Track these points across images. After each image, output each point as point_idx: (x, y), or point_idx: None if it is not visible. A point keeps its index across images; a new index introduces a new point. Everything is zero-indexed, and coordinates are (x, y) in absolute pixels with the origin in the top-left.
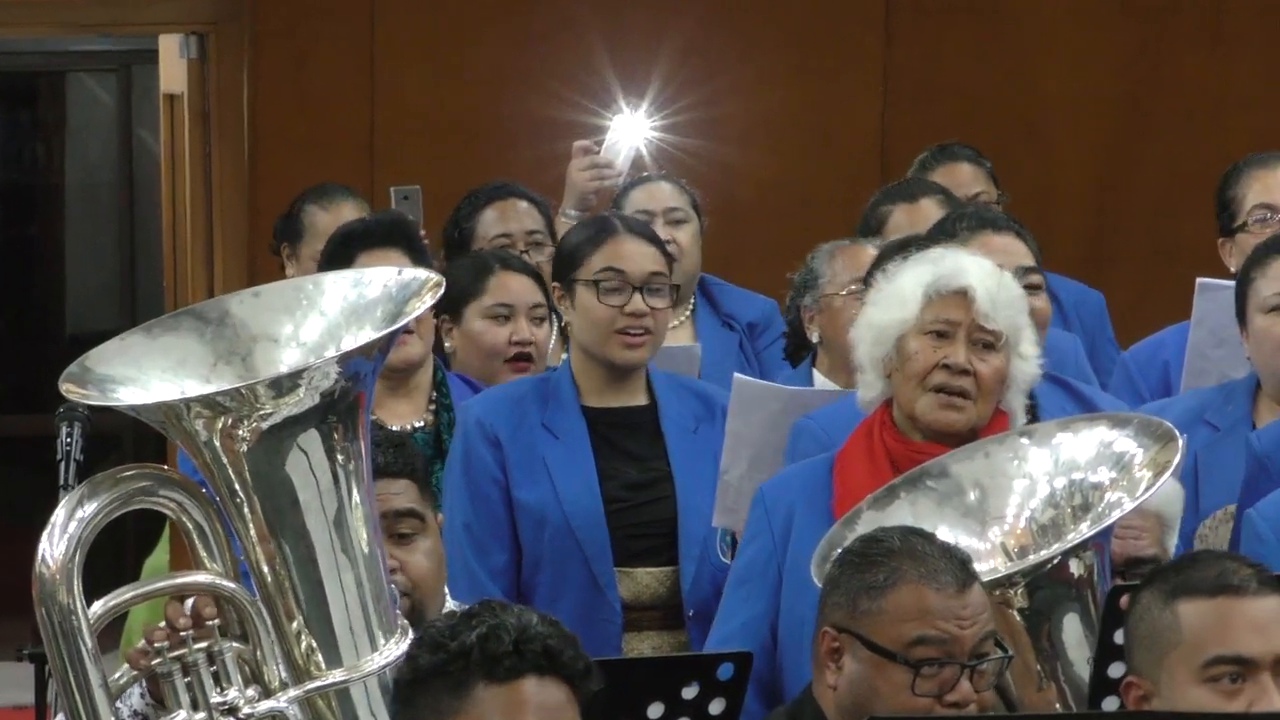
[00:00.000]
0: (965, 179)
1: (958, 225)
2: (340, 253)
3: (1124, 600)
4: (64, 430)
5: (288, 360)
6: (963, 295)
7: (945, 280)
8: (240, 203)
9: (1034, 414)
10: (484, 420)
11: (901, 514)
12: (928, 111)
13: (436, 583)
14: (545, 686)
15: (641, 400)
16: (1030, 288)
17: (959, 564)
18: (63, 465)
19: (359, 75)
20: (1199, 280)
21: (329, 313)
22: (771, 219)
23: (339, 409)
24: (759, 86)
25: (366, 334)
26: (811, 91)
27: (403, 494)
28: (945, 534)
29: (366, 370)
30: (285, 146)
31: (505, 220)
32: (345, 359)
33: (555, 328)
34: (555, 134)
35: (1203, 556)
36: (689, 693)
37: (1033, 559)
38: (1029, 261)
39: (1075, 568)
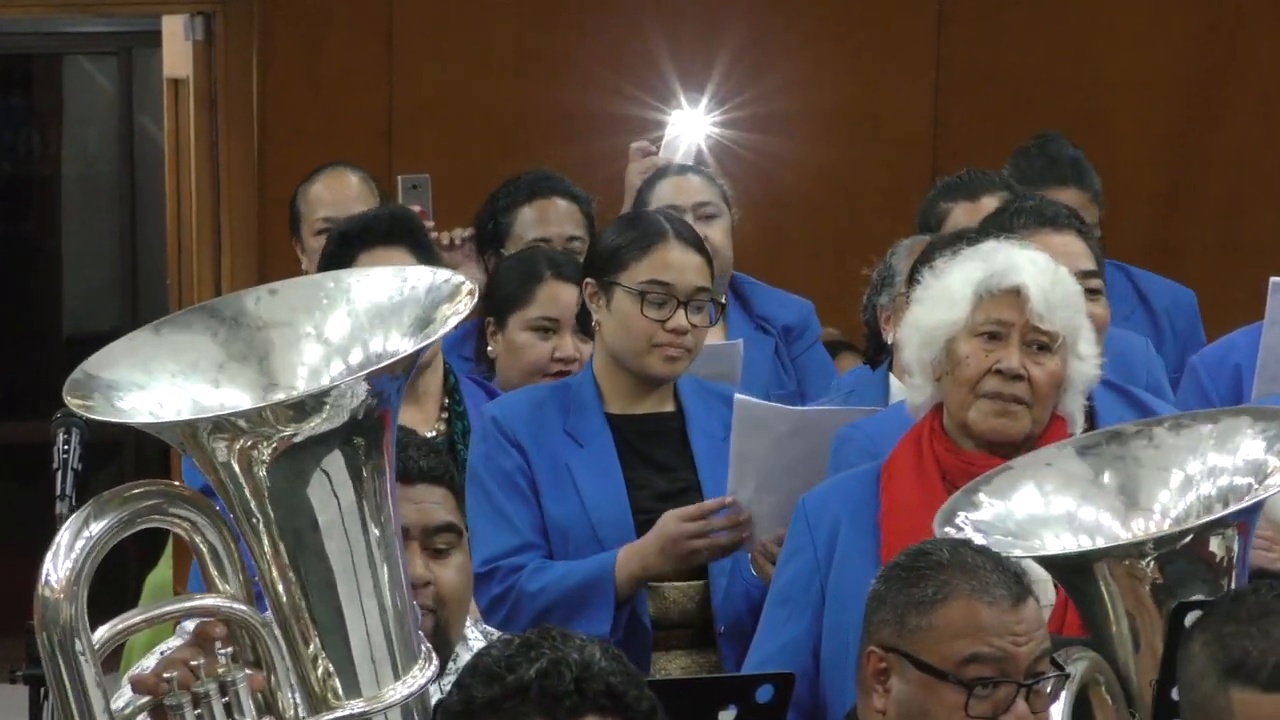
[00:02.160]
0: (1071, 202)
1: (1014, 221)
2: (339, 252)
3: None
4: (61, 438)
5: (309, 362)
6: (1015, 294)
7: (997, 278)
8: (249, 195)
9: (1092, 421)
10: (504, 422)
11: (1028, 485)
12: (983, 99)
13: (464, 601)
14: None
15: (668, 407)
16: (1089, 292)
17: (1013, 577)
18: (60, 475)
19: (376, 58)
20: (1273, 280)
21: (352, 314)
22: (821, 210)
23: (364, 427)
24: (814, 77)
25: (394, 339)
26: (860, 77)
27: (442, 505)
28: (1083, 510)
29: (394, 388)
30: (297, 135)
31: (544, 223)
32: (373, 377)
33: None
34: (592, 125)
35: (1268, 620)
36: (726, 717)
37: (1169, 530)
38: (1088, 265)
39: (1215, 545)
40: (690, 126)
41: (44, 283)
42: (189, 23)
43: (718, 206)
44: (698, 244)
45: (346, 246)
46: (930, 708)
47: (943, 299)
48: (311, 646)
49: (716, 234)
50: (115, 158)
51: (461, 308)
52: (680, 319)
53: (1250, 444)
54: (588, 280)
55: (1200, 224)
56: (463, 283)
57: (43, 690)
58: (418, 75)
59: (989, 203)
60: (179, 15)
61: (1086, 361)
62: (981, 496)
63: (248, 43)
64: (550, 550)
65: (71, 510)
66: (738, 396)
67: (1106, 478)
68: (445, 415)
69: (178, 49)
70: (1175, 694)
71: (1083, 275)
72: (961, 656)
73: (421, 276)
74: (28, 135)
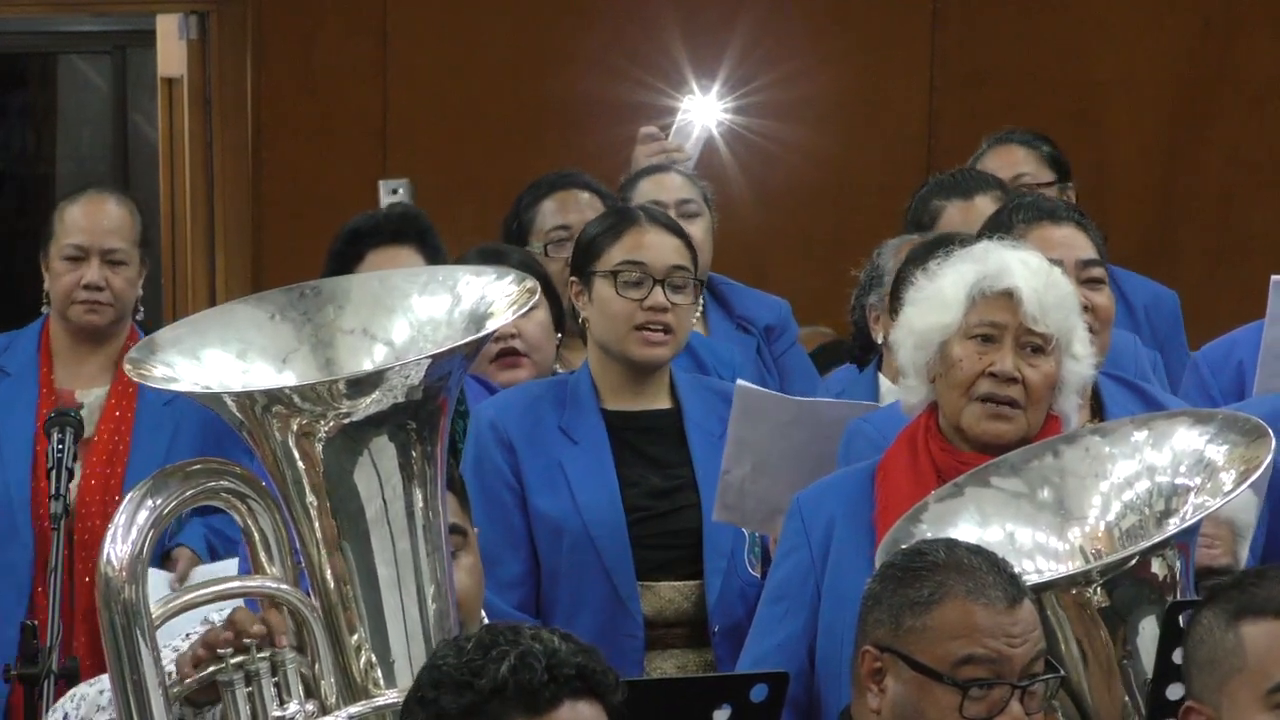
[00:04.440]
0: (1016, 159)
1: (1014, 217)
2: (348, 251)
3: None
4: (55, 437)
5: (375, 355)
6: (1008, 296)
7: (990, 281)
8: (243, 194)
9: (1101, 415)
10: (497, 423)
11: (969, 510)
12: (976, 96)
13: (477, 601)
14: (579, 709)
15: (664, 404)
16: (1092, 281)
17: (1008, 578)
18: (53, 474)
19: (371, 56)
20: (1275, 278)
21: (418, 310)
22: (820, 204)
23: (420, 413)
24: (818, 69)
25: (455, 335)
26: (856, 73)
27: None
28: (1021, 531)
29: (452, 376)
30: (292, 133)
31: (565, 211)
32: (438, 359)
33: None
34: (604, 112)
35: (1269, 573)
36: (720, 716)
37: (1112, 557)
38: (1090, 254)
39: (1158, 567)
40: (702, 112)
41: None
42: (183, 22)
43: (699, 205)
44: (672, 226)
45: (355, 244)
46: (925, 708)
47: (936, 301)
48: (356, 636)
49: (697, 232)
50: (109, 157)
51: (519, 303)
52: (658, 296)
53: (1190, 444)
54: (572, 280)
55: (1194, 223)
56: (524, 279)
57: (36, 691)
58: (412, 73)
59: (983, 201)
60: (173, 14)
61: (1081, 361)
62: (923, 526)
63: (242, 41)
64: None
65: (66, 511)
66: (740, 383)
67: (1044, 493)
68: (453, 413)
69: (172, 48)
70: (1170, 693)
71: (1084, 265)
72: (956, 657)
73: (488, 278)
74: (22, 134)
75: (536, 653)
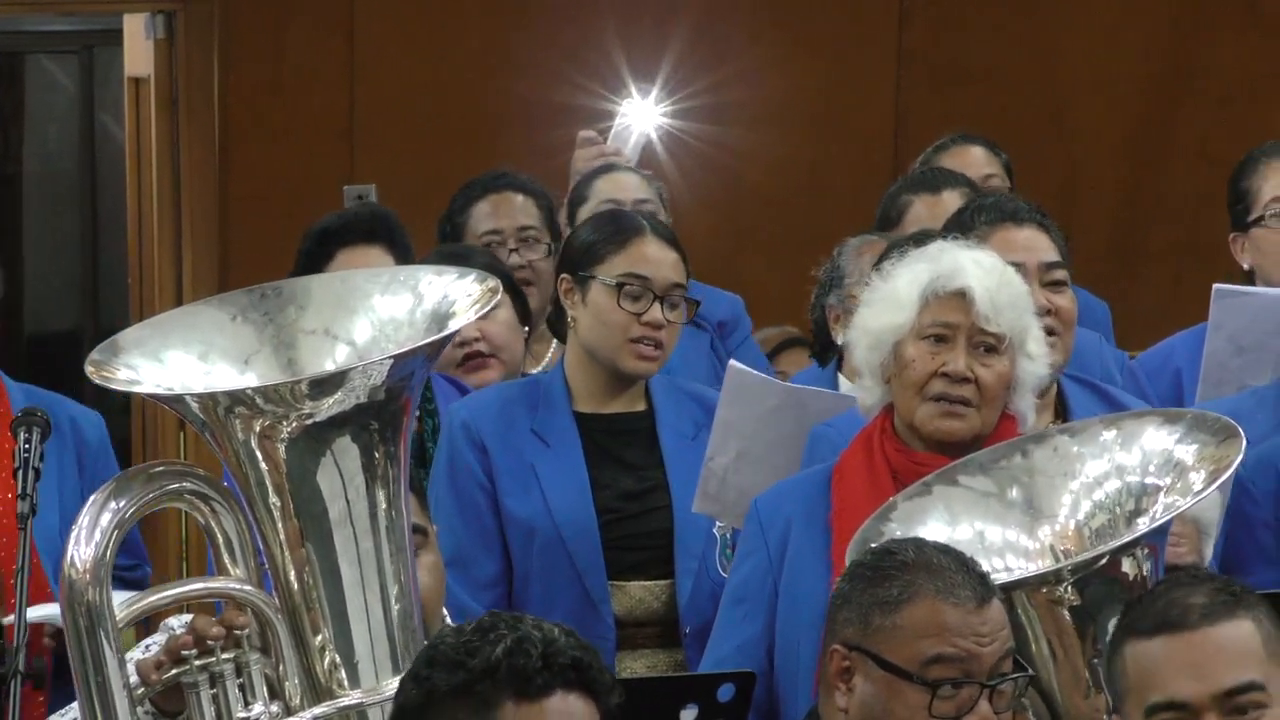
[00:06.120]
0: (977, 160)
1: (976, 218)
2: (318, 251)
3: None
4: (22, 437)
5: (337, 355)
6: (961, 296)
7: (942, 281)
8: (210, 194)
9: (1064, 416)
10: (470, 424)
11: (938, 509)
12: (944, 96)
13: (438, 600)
14: (570, 702)
15: (639, 406)
16: (1054, 284)
17: (977, 578)
18: (20, 474)
19: (338, 56)
20: (1216, 286)
21: (380, 310)
22: (782, 206)
23: (384, 414)
24: (769, 69)
25: (417, 335)
26: (822, 75)
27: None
28: (990, 530)
29: (414, 376)
30: (259, 133)
31: (497, 215)
32: (400, 359)
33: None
34: (553, 119)
35: (1158, 589)
36: (688, 715)
37: (1083, 556)
38: (1053, 256)
39: (1128, 566)
40: (640, 116)
41: (4, 281)
42: (150, 21)
43: (656, 205)
44: (673, 241)
45: (325, 244)
46: (893, 707)
47: (890, 302)
48: (320, 637)
49: None
50: (76, 157)
51: (481, 302)
52: (656, 313)
53: (1159, 443)
54: (563, 276)
55: (1162, 223)
56: (486, 278)
57: (3, 691)
58: (379, 73)
59: (950, 196)
60: (140, 14)
61: (1036, 361)
62: (892, 525)
63: (209, 41)
64: (508, 558)
65: (33, 511)
66: (732, 363)
67: (1013, 492)
68: (416, 413)
69: (139, 47)
70: None
71: (1047, 267)
72: (925, 657)
73: (449, 278)
74: None
75: (534, 639)
